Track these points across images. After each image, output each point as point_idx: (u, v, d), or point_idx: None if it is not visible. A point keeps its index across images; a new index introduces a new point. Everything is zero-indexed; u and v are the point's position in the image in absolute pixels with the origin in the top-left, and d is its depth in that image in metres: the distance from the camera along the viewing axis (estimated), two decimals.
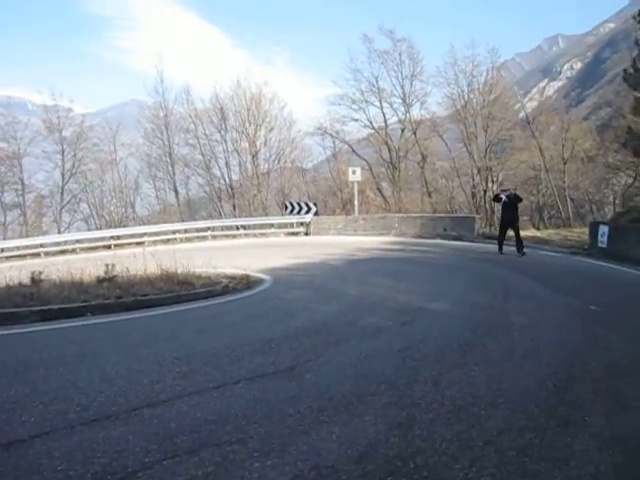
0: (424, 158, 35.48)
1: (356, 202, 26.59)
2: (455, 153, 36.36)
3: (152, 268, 10.36)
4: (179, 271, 10.37)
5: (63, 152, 34.31)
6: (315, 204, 27.31)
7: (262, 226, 27.49)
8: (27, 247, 26.39)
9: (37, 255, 24.35)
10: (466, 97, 34.72)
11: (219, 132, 35.88)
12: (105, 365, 4.22)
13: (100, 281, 9.53)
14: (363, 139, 37.13)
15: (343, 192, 34.23)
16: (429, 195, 35.71)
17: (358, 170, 25.89)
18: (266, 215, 31.46)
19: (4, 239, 30.80)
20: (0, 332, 5.83)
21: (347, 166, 29.49)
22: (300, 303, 7.68)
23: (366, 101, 36.13)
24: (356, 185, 26.35)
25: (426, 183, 35.87)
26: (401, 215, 25.10)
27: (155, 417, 3.13)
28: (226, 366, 4.23)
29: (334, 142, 37.09)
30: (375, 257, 14.77)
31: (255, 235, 26.09)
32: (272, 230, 26.18)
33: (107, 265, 10.30)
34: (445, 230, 21.73)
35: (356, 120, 35.96)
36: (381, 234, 22.70)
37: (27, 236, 30.95)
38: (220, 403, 3.38)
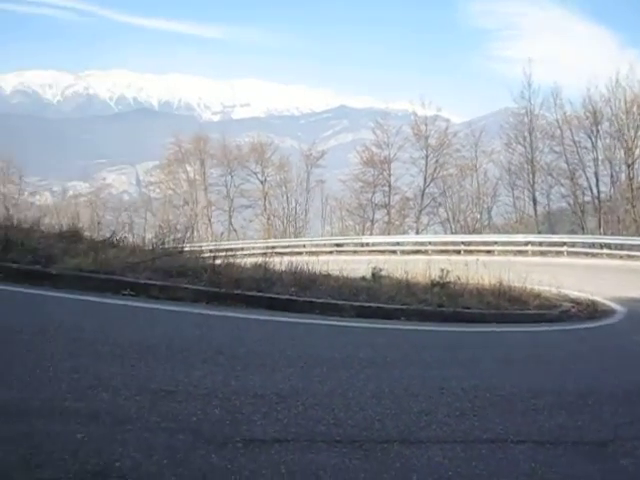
0: None
1: None
2: None
3: (488, 279, 9.84)
4: (516, 286, 9.59)
5: (427, 157, 36.46)
6: None
7: (631, 247, 23.81)
8: (387, 244, 28.98)
9: (394, 252, 26.42)
10: None
11: (589, 138, 32.49)
12: (385, 378, 3.92)
13: (433, 285, 9.49)
14: None
15: None
16: None
17: None
18: (639, 235, 27.12)
19: (371, 234, 34.47)
20: (320, 322, 6.18)
21: None
22: None
23: None
24: None
25: None
26: None
27: (400, 459, 2.63)
28: (516, 416, 3.42)
29: None
30: None
31: (621, 257, 22.77)
32: None
33: (442, 270, 10.21)
34: None
35: None
36: None
37: (389, 234, 33.95)
38: (484, 465, 2.66)
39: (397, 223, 37.34)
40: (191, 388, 3.20)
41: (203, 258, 8.54)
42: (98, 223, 12.06)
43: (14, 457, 2.15)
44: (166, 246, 8.59)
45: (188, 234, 12.77)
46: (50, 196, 72.04)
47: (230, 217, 42.11)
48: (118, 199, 70.38)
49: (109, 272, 6.32)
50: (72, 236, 7.88)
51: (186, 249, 9.28)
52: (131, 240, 9.46)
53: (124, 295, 5.94)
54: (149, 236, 11.29)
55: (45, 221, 9.64)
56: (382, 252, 25.94)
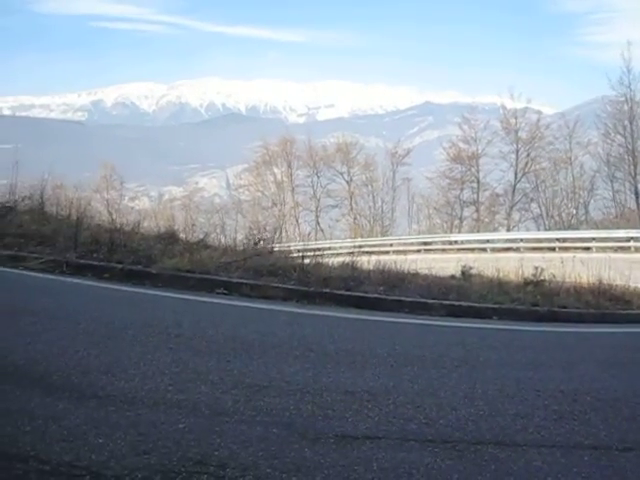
0: None
1: None
2: None
3: (586, 277, 9.35)
4: (618, 285, 9.05)
5: (517, 152, 35.08)
6: None
7: None
8: (476, 241, 28.18)
9: (484, 250, 25.65)
10: None
11: None
12: (478, 379, 3.82)
13: (526, 284, 9.14)
14: None
15: None
16: None
17: None
18: None
19: (459, 232, 33.67)
20: (409, 320, 6.12)
21: None
22: None
23: None
24: None
25: None
26: None
27: (495, 462, 2.55)
28: (621, 422, 3.22)
29: None
30: None
31: None
32: None
33: (536, 268, 9.82)
34: None
35: None
36: None
37: (478, 231, 33.00)
38: (586, 472, 2.52)
39: (487, 220, 36.25)
40: (283, 384, 3.28)
41: (292, 258, 8.71)
42: (192, 225, 12.59)
43: (124, 443, 2.31)
44: (256, 246, 8.85)
45: (277, 234, 13.05)
46: (148, 200, 76.34)
47: (317, 217, 42.65)
48: (210, 202, 73.12)
49: (204, 272, 6.61)
50: (169, 238, 8.31)
51: (275, 249, 9.51)
52: (223, 241, 9.83)
53: (218, 293, 6.18)
54: (240, 237, 11.68)
55: (144, 224, 10.20)
56: (471, 250, 25.29)
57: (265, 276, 6.87)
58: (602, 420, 3.22)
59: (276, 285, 6.54)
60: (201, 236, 9.23)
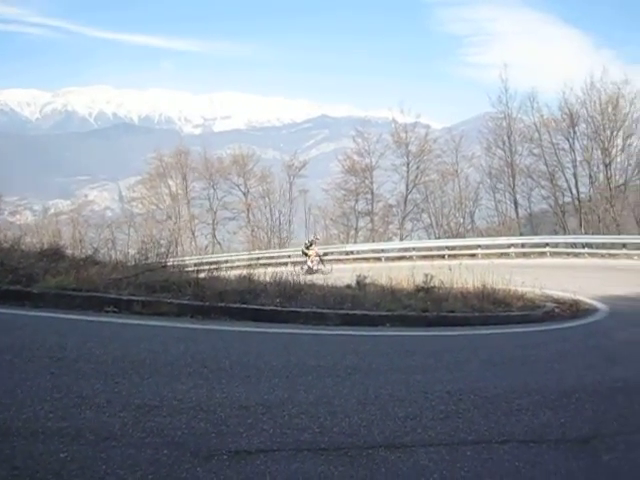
0: None
1: None
2: None
3: (472, 283, 9.92)
4: (500, 288, 9.68)
5: (408, 164, 36.73)
6: None
7: (612, 245, 24.17)
8: (371, 251, 29.07)
9: (379, 259, 26.51)
10: None
11: (567, 140, 32.98)
12: (371, 384, 3.93)
13: (417, 291, 9.54)
14: None
15: None
16: None
17: None
18: (619, 234, 27.54)
19: (355, 242, 34.57)
20: (305, 331, 6.17)
21: None
22: (634, 347, 6.16)
23: None
24: None
25: None
26: None
27: (385, 464, 2.65)
28: (500, 416, 3.46)
29: None
30: None
31: (602, 256, 23.06)
32: (624, 251, 22.74)
33: (426, 275, 10.27)
34: None
35: None
36: None
37: (373, 241, 34.08)
38: (469, 467, 2.68)
39: (381, 230, 37.49)
40: (176, 402, 3.19)
41: (187, 272, 8.51)
42: (80, 241, 11.93)
43: None
44: (149, 261, 8.54)
45: (171, 248, 12.67)
46: (30, 215, 71.14)
47: (214, 230, 41.97)
48: (100, 216, 69.76)
49: (91, 289, 6.27)
50: (53, 254, 7.80)
51: (170, 264, 9.24)
52: (114, 256, 9.40)
53: (107, 312, 5.89)
54: (132, 252, 11.22)
55: (26, 240, 9.52)
56: (367, 260, 26.03)
57: (158, 292, 6.64)
58: (483, 416, 3.43)
59: (169, 301, 6.34)
60: (90, 252, 8.77)
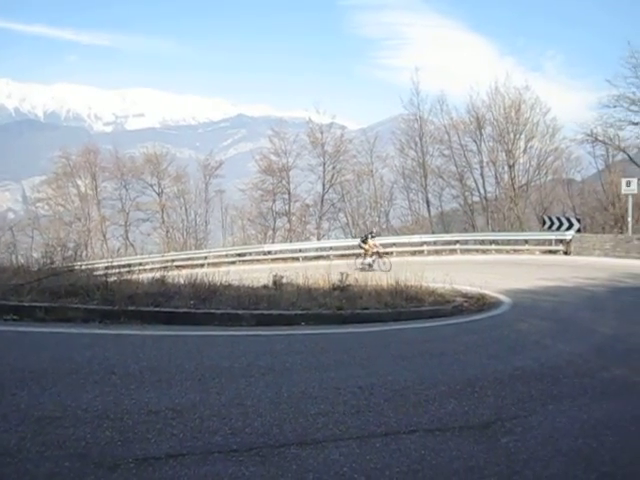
0: None
1: (630, 219, 22.81)
2: None
3: (386, 280, 10.17)
4: (412, 285, 9.98)
5: (324, 164, 37.11)
6: (579, 220, 24.35)
7: (516, 242, 25.57)
8: (289, 251, 29.11)
9: (296, 259, 26.60)
10: None
11: (475, 142, 34.62)
12: (284, 383, 3.95)
13: (333, 289, 9.66)
14: None
15: (615, 207, 29.83)
16: None
17: (634, 181, 22.14)
18: (522, 230, 29.23)
19: (273, 242, 34.52)
20: (220, 333, 6.10)
21: (621, 177, 25.54)
22: (533, 337, 6.55)
23: None
24: (630, 199, 22.62)
25: None
26: None
27: (297, 461, 2.67)
28: (408, 408, 3.58)
29: (607, 150, 32.56)
30: None
31: (507, 251, 24.37)
32: (526, 247, 24.17)
33: (342, 274, 10.43)
34: None
35: (636, 124, 30.94)
36: None
37: (291, 241, 34.18)
38: (378, 458, 2.76)
39: (299, 230, 37.62)
40: (80, 412, 3.06)
41: (96, 276, 8.17)
42: None
43: None
44: (55, 265, 8.12)
45: (80, 251, 12.12)
46: None
47: (126, 232, 40.46)
48: (2, 218, 65.48)
49: None
50: None
51: (78, 267, 8.83)
52: (15, 261, 8.87)
53: (6, 320, 5.55)
54: (36, 256, 10.63)
55: None
56: (284, 260, 26.06)
57: (63, 297, 6.32)
58: (393, 409, 3.54)
59: (76, 306, 6.06)
60: None
